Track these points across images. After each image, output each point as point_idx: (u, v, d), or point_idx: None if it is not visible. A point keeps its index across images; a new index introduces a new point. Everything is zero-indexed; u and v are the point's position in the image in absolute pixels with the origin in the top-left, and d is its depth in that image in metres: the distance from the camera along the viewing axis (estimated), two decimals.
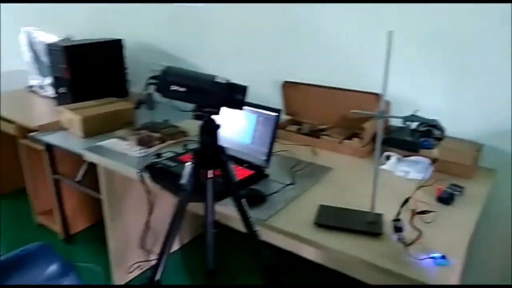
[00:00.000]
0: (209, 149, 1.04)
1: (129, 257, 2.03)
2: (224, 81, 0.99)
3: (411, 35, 1.66)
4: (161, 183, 1.45)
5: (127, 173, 1.60)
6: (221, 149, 1.06)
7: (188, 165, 1.06)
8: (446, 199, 1.33)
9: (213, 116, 1.02)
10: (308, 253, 1.22)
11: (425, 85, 1.71)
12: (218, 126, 1.05)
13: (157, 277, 1.11)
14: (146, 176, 1.49)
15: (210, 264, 1.25)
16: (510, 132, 1.57)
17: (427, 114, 1.08)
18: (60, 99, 2.27)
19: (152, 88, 0.99)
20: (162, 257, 1.11)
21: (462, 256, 1.10)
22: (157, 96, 1.06)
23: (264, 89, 2.10)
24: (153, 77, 0.98)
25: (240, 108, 1.02)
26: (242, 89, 1.01)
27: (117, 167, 1.65)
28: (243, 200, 1.10)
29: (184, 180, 1.06)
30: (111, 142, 1.82)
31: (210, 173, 1.05)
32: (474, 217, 1.26)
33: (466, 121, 1.64)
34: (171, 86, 0.96)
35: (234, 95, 1.00)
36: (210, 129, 1.03)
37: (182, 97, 0.98)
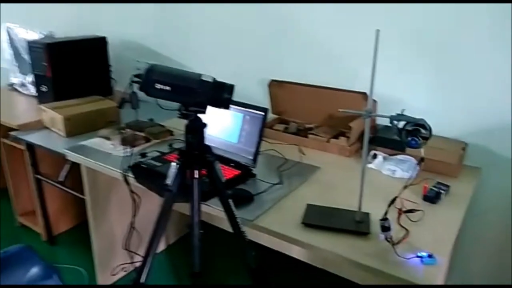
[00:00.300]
0: (195, 148, 1.02)
1: (113, 258, 1.99)
2: (210, 80, 0.97)
3: (398, 34, 1.66)
4: (146, 183, 1.42)
5: (111, 173, 1.57)
6: (208, 148, 1.05)
7: (174, 165, 1.04)
8: (432, 198, 1.34)
9: (199, 115, 1.00)
10: (296, 252, 1.21)
11: (411, 85, 1.72)
12: (204, 126, 1.03)
13: (142, 279, 1.09)
14: (131, 176, 1.46)
15: (196, 265, 1.23)
16: (494, 130, 1.59)
17: (413, 113, 1.07)
18: (42, 98, 2.22)
19: (135, 87, 0.97)
20: (147, 258, 1.09)
21: (448, 254, 1.10)
22: (142, 95, 1.04)
23: (251, 88, 2.09)
24: (136, 76, 0.95)
25: (227, 107, 1.00)
26: (229, 88, 0.99)
27: (101, 167, 1.62)
28: (230, 201, 1.08)
29: (169, 180, 1.03)
30: (94, 142, 1.79)
31: (196, 173, 1.03)
32: (459, 216, 1.27)
33: (451, 119, 1.66)
34: (156, 85, 0.94)
35: (221, 94, 0.98)
36: (196, 129, 1.01)
37: (167, 96, 0.96)
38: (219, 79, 1.01)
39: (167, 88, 0.94)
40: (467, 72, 1.59)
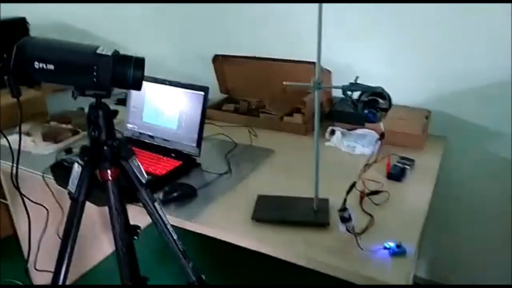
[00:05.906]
0: (102, 143, 0.81)
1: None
2: (109, 53, 0.74)
3: None
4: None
5: (32, 176, 1.33)
6: (119, 141, 0.83)
7: (76, 166, 0.82)
8: (396, 175, 1.20)
9: (102, 100, 0.78)
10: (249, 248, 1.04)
11: (368, 51, 1.55)
12: (113, 114, 0.81)
13: None
14: (50, 177, 1.23)
15: (127, 278, 1.02)
16: (458, 95, 1.46)
17: (371, 81, 0.91)
18: None
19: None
20: (58, 276, 0.88)
21: (417, 241, 0.95)
22: None
23: (193, 65, 1.87)
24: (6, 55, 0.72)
25: (138, 88, 0.78)
26: (137, 62, 0.76)
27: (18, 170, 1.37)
28: (157, 204, 0.88)
29: (72, 186, 0.82)
30: (11, 139, 1.52)
31: (108, 174, 0.82)
32: (428, 193, 1.13)
33: (411, 86, 1.52)
34: (35, 64, 0.71)
35: (126, 70, 0.76)
36: (99, 118, 0.79)
37: (52, 77, 0.73)
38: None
39: (50, 67, 0.71)
40: (425, 35, 1.44)
